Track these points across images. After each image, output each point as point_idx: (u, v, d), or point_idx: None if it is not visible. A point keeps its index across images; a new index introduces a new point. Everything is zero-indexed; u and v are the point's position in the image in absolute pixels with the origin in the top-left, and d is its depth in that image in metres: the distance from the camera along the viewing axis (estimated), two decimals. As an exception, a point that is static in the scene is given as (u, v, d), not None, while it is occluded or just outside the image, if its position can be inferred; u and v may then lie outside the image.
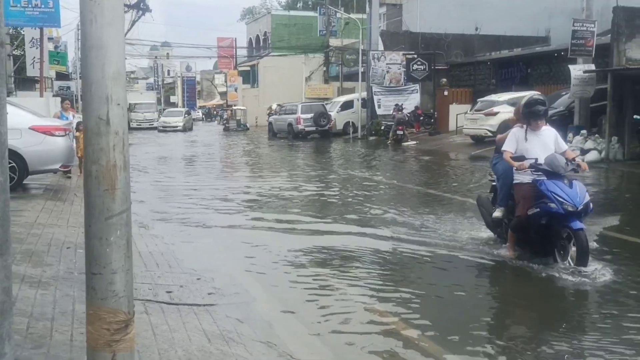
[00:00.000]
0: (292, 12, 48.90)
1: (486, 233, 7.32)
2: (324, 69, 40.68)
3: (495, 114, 20.17)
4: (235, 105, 46.60)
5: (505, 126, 6.96)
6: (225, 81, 56.76)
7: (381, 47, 29.00)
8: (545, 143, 6.19)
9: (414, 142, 23.95)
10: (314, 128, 29.90)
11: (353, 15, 35.15)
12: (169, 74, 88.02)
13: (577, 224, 5.72)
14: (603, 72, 16.01)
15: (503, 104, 20.50)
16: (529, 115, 6.17)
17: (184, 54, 61.85)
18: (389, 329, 4.60)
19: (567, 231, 5.82)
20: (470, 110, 22.02)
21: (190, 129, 43.85)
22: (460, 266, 6.45)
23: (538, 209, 5.93)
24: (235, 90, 49.99)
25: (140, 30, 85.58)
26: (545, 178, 5.93)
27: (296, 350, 4.15)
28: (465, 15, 29.29)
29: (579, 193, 5.79)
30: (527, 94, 21.08)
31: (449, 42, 28.74)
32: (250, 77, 50.02)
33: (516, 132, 6.27)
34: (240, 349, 4.04)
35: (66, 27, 27.51)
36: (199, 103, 76.92)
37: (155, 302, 4.95)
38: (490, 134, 20.23)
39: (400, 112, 25.19)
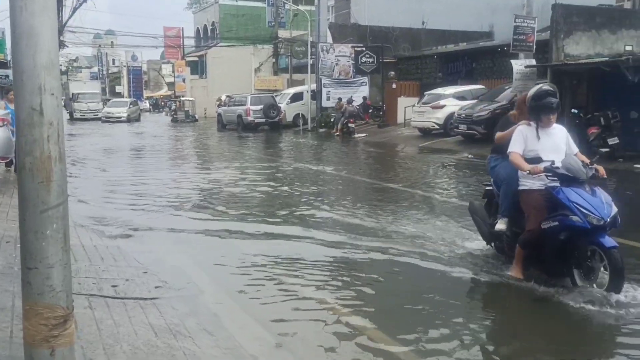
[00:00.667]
0: (240, 2, 48.28)
1: (474, 242, 6.56)
2: (273, 60, 40.51)
3: (442, 106, 20.63)
4: (183, 96, 45.82)
5: (505, 122, 6.02)
6: (173, 71, 55.70)
7: (330, 39, 29.09)
8: (556, 143, 5.28)
9: (364, 135, 24.18)
10: (263, 120, 29.75)
11: (301, 7, 35.06)
12: (114, 63, 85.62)
13: (609, 241, 4.73)
14: (543, 67, 16.54)
15: (449, 97, 20.99)
16: (538, 109, 5.20)
17: (129, 43, 60.16)
18: (336, 319, 4.66)
19: (593, 248, 4.86)
20: (417, 104, 22.39)
21: (138, 120, 42.89)
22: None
23: (556, 223, 4.95)
24: (183, 80, 49.16)
25: (83, 17, 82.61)
26: (560, 184, 5.02)
27: (244, 341, 4.15)
28: (412, 9, 29.71)
29: (604, 202, 4.84)
30: (472, 88, 21.78)
31: (396, 35, 29.09)
32: (198, 67, 49.26)
33: (524, 129, 5.31)
34: (187, 342, 4.01)
35: (3, 12, 26.35)
36: (146, 93, 75.21)
37: (99, 296, 4.85)
38: (437, 126, 20.69)
39: (350, 105, 25.43)
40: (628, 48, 14.92)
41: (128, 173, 14.16)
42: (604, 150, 14.11)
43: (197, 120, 40.62)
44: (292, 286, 5.41)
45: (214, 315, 4.67)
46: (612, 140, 14.09)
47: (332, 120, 26.72)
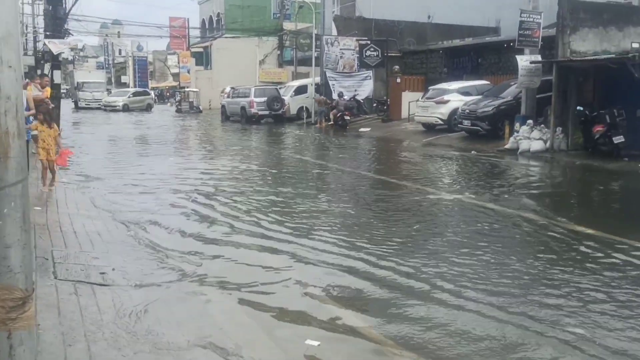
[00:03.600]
0: (246, -6, 47.99)
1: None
2: (278, 52, 40.33)
3: (446, 102, 20.44)
4: (188, 87, 45.72)
5: None
6: (178, 62, 55.52)
7: (335, 32, 28.91)
8: None
9: (368, 129, 24.10)
10: (267, 112, 29.63)
11: (307, -1, 34.88)
12: (120, 53, 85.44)
13: None
14: (549, 63, 16.35)
15: (454, 93, 20.80)
16: None
17: (135, 33, 59.95)
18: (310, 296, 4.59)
19: None
20: (421, 98, 22.23)
21: (147, 110, 43.36)
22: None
23: None
24: (188, 72, 48.97)
25: (91, 7, 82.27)
26: None
27: (228, 327, 4.09)
28: (418, 3, 29.42)
29: None
30: (477, 83, 21.59)
31: (401, 29, 28.85)
32: (203, 58, 49.12)
33: None
34: (172, 329, 3.94)
35: None
36: (151, 84, 75.02)
37: (86, 283, 4.79)
38: (441, 122, 20.53)
39: (342, 99, 25.98)
40: (635, 45, 14.71)
41: (128, 162, 14.12)
42: (604, 148, 14.00)
43: (201, 111, 40.55)
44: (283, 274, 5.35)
45: (201, 303, 4.60)
46: (618, 139, 13.92)
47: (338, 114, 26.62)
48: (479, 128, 17.88)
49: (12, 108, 1.75)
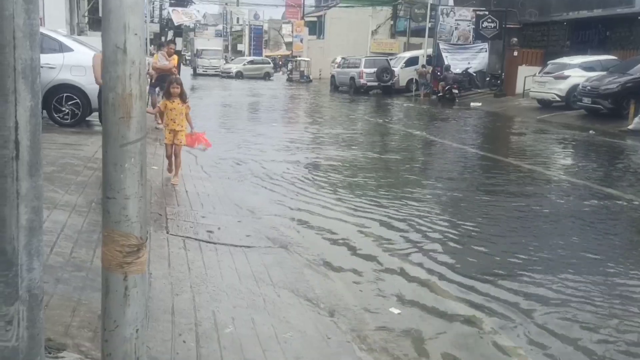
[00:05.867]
0: (363, -37, 47.53)
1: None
2: (392, 23, 39.78)
3: (566, 77, 19.30)
4: (300, 56, 46.44)
5: None
6: (292, 31, 56.38)
7: (451, 2, 27.98)
8: None
9: (479, 104, 23.34)
10: (376, 83, 29.49)
11: (425, -32, 33.94)
12: (237, 21, 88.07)
13: None
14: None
15: (575, 68, 19.57)
16: None
17: (252, 2, 61.47)
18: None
19: None
20: (539, 73, 21.09)
21: (266, 79, 44.72)
22: None
23: None
24: (301, 41, 49.65)
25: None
26: None
27: (323, 296, 4.22)
28: (543, -29, 27.72)
29: None
30: (602, 58, 20.11)
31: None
32: (316, 28, 49.53)
33: None
34: (269, 289, 4.14)
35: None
36: (265, 52, 76.91)
37: (194, 239, 5.12)
38: (558, 98, 19.43)
39: (449, 72, 25.59)
40: None
41: (241, 127, 14.70)
42: None
43: (311, 80, 41.14)
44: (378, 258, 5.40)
45: (298, 269, 4.77)
46: None
47: (447, 87, 26.00)
48: (600, 106, 16.73)
49: (136, 72, 1.92)
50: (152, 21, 39.69)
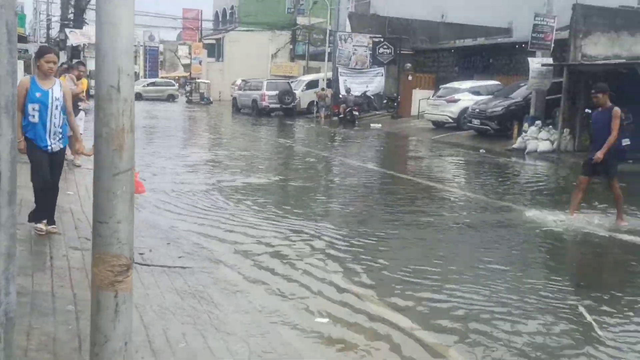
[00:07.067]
0: (261, -13, 48.31)
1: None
2: (291, 46, 40.66)
3: (457, 100, 20.80)
4: (199, 79, 46.17)
5: None
6: (190, 53, 55.89)
7: (349, 28, 29.22)
8: None
9: (379, 125, 24.50)
10: (278, 105, 30.05)
11: (322, -5, 35.16)
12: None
13: None
14: (560, 66, 16.66)
15: (465, 92, 21.15)
16: None
17: (147, 23, 60.37)
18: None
19: None
20: (432, 97, 22.56)
21: (172, 101, 43.45)
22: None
23: None
24: (200, 63, 49.37)
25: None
26: None
27: (263, 302, 4.48)
28: (432, 2, 29.74)
29: None
30: (487, 83, 21.90)
31: (415, 27, 29.16)
32: (215, 50, 49.48)
33: None
34: (211, 306, 4.35)
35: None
36: (161, 74, 75.46)
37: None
38: (450, 120, 20.89)
39: (350, 95, 26.85)
40: (645, 51, 15.01)
41: (152, 150, 14.55)
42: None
43: (211, 102, 41.04)
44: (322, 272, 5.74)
45: (235, 284, 5.00)
46: (625, 141, 14.18)
47: (347, 109, 27.01)
48: (488, 127, 18.23)
49: (128, 108, 2.14)
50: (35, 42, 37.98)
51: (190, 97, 42.90)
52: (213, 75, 46.22)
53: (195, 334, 3.78)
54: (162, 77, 66.25)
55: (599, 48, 16.60)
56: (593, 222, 7.74)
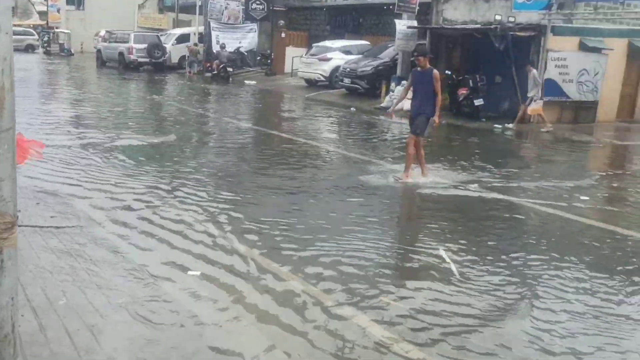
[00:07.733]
0: None
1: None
2: (159, -3, 38.80)
3: (329, 59, 21.30)
4: (57, 28, 42.72)
5: None
6: (46, 0, 51.36)
7: (221, -19, 28.48)
8: None
9: (253, 82, 24.44)
10: (147, 60, 28.83)
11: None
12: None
13: None
14: (423, 29, 17.64)
15: (336, 51, 21.69)
16: None
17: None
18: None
19: None
20: (305, 55, 22.88)
21: (30, 52, 39.74)
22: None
23: None
24: (58, 11, 45.61)
25: None
26: None
27: (139, 258, 4.56)
28: (304, -41, 29.72)
29: None
30: (358, 43, 22.60)
31: (288, -16, 29.10)
32: (75, -2, 45.90)
33: None
34: (89, 264, 4.36)
35: None
36: (14, 22, 68.66)
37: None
38: (323, 78, 21.38)
39: (224, 50, 26.41)
40: (497, 17, 16.27)
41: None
42: (466, 110, 15.59)
43: (72, 54, 38.35)
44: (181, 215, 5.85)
45: (113, 244, 5.00)
46: (478, 102, 15.55)
47: (221, 65, 26.59)
48: (358, 86, 18.95)
49: (7, 67, 2.14)
50: None
51: (48, 48, 39.66)
52: (74, 24, 42.98)
53: (75, 291, 3.81)
54: (14, 25, 60.38)
55: (458, 13, 17.77)
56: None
